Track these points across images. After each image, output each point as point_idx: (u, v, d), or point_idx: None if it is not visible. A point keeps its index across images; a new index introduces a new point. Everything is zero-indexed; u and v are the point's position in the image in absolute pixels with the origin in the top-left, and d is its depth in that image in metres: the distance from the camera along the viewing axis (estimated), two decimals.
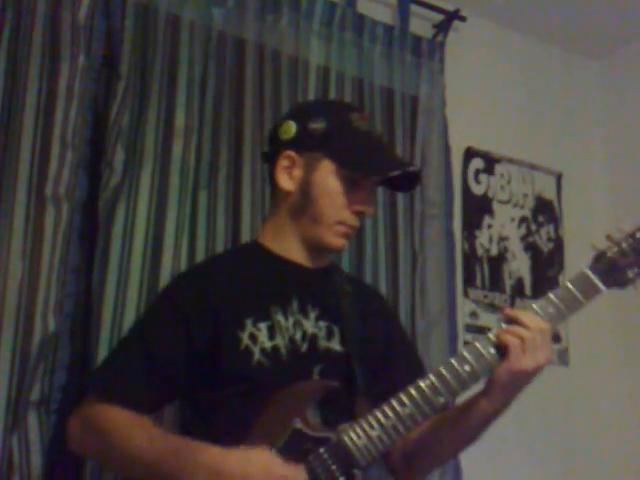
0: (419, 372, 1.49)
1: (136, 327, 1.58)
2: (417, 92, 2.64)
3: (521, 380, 1.42)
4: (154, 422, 1.46)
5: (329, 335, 1.51)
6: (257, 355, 1.45)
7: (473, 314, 2.70)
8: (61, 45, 1.99)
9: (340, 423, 1.41)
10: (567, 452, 2.72)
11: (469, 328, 2.66)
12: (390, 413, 1.39)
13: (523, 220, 2.90)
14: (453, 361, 1.42)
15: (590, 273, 1.47)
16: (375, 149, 1.56)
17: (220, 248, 2.13)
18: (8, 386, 1.80)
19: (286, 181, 1.55)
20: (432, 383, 1.41)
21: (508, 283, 2.81)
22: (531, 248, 2.90)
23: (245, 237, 2.16)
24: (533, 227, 2.92)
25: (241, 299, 1.50)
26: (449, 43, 2.74)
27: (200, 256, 2.11)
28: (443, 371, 1.41)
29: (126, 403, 1.43)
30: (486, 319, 2.71)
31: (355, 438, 1.39)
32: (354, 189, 1.53)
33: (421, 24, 2.72)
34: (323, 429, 1.40)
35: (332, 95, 2.43)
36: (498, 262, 2.81)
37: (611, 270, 1.47)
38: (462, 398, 1.49)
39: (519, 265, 2.85)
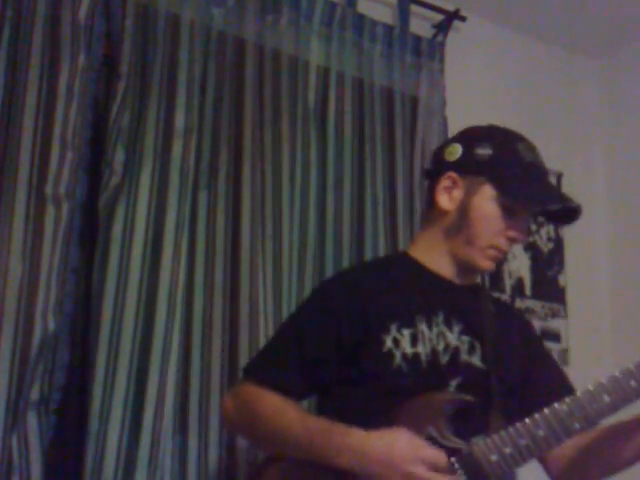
0: (564, 394, 1.49)
1: (290, 323, 1.66)
2: (417, 92, 2.64)
3: None
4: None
5: (470, 350, 1.55)
6: (398, 359, 1.49)
7: None
8: (61, 45, 2.00)
9: (472, 437, 1.43)
10: None
11: None
12: (524, 433, 1.41)
13: None
14: (592, 387, 1.43)
15: None
16: (537, 180, 1.60)
17: (220, 248, 2.13)
18: (8, 386, 1.80)
19: (445, 201, 1.60)
20: (568, 407, 1.41)
21: (508, 283, 2.81)
22: (531, 248, 2.89)
23: (245, 237, 2.16)
24: (533, 227, 2.91)
25: (388, 304, 1.55)
26: (449, 43, 2.74)
27: (200, 256, 2.11)
28: (581, 396, 1.42)
29: (278, 388, 1.52)
30: None
31: (487, 452, 1.40)
32: (510, 216, 1.57)
33: (421, 24, 2.72)
34: (456, 440, 1.42)
35: (332, 95, 2.44)
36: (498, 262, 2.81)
37: None
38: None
39: (519, 265, 2.85)
